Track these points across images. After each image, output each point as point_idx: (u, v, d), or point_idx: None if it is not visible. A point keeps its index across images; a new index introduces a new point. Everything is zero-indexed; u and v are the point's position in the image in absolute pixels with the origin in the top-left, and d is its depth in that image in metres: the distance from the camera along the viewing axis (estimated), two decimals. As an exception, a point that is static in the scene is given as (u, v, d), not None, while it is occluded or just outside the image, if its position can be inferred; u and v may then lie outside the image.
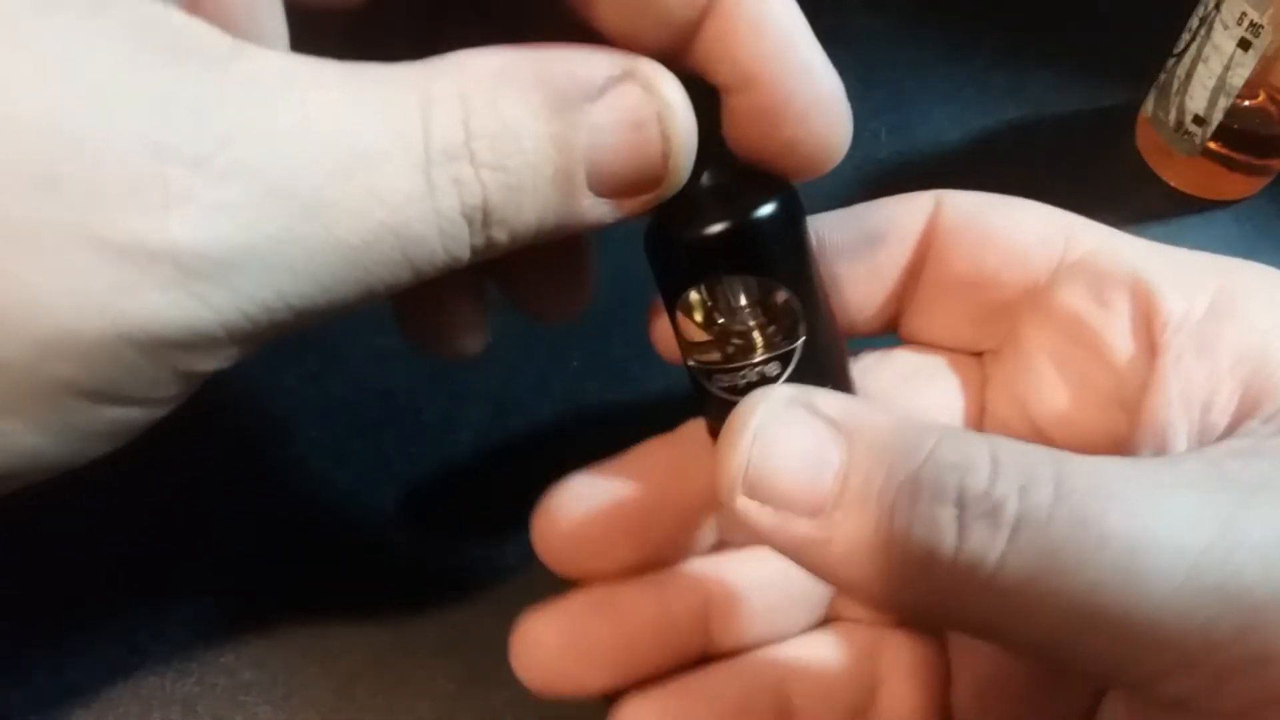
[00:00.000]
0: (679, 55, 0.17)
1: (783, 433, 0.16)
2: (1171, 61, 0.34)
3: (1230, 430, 0.17)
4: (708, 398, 0.18)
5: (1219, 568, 0.13)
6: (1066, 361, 0.20)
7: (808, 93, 0.17)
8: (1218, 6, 0.31)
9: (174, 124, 0.13)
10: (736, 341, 0.18)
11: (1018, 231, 0.20)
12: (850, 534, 0.15)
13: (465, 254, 0.16)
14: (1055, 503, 0.14)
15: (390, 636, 0.26)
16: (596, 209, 0.16)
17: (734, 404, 0.17)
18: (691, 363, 0.18)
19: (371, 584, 0.27)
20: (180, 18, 0.14)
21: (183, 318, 0.13)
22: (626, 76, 0.16)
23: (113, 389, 0.14)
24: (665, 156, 0.16)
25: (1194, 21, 0.32)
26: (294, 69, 0.14)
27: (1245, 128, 0.33)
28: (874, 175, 0.36)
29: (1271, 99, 0.32)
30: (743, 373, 0.18)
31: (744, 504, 0.16)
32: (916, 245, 0.21)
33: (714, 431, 0.18)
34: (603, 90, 0.16)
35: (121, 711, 0.25)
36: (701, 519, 0.22)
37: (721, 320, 0.18)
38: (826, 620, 0.22)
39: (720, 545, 0.22)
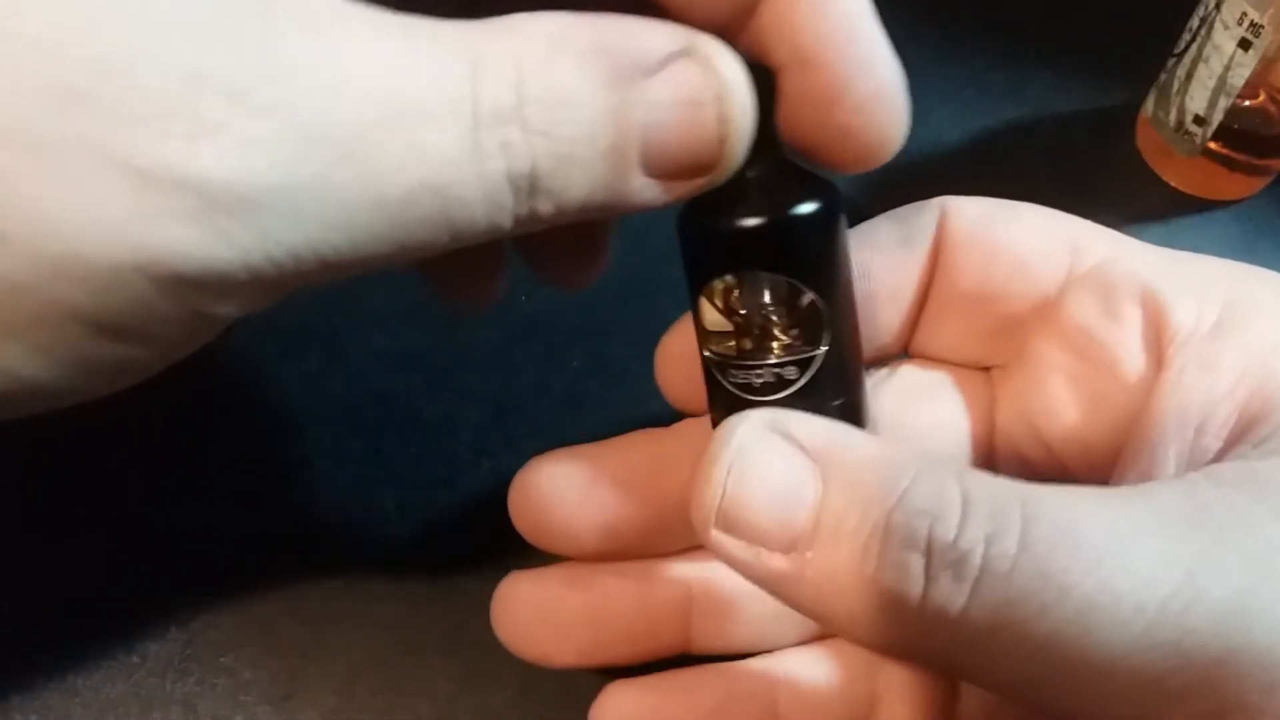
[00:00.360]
0: (736, 32, 0.16)
1: (758, 463, 0.16)
2: (1172, 61, 0.34)
3: (1224, 452, 0.17)
4: (718, 391, 0.18)
5: (1176, 623, 0.13)
6: (1077, 377, 0.19)
7: (868, 80, 0.17)
8: (1218, 6, 0.31)
9: (213, 53, 0.12)
10: (757, 338, 0.17)
11: (1025, 242, 0.20)
12: (823, 571, 0.15)
13: (508, 223, 0.15)
14: (1019, 553, 0.14)
15: (390, 636, 0.26)
16: (646, 190, 0.16)
17: (745, 401, 0.17)
18: (708, 352, 0.18)
19: (372, 584, 0.27)
20: None
21: (203, 254, 0.13)
22: (687, 53, 0.15)
23: (122, 323, 0.13)
24: (721, 140, 0.16)
25: (1194, 21, 0.32)
26: (345, 11, 0.13)
27: (1245, 128, 0.33)
28: (874, 175, 0.36)
29: (1272, 99, 0.32)
30: (759, 371, 0.17)
31: (718, 537, 0.16)
32: (928, 260, 0.21)
33: (717, 425, 0.18)
34: (662, 65, 0.15)
35: (121, 711, 0.25)
36: (681, 515, 0.21)
37: (745, 314, 0.17)
38: (821, 637, 0.22)
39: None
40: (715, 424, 0.19)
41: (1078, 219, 0.20)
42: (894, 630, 0.15)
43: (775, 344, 0.17)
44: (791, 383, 0.17)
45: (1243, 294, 0.18)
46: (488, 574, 0.23)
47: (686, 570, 0.22)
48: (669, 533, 0.22)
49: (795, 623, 0.22)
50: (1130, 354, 0.19)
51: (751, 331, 0.17)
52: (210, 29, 0.12)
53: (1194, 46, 0.32)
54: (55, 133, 0.12)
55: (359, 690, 0.25)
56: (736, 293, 0.17)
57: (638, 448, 0.22)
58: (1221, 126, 0.32)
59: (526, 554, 0.22)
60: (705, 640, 0.22)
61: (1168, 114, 0.34)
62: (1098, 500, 0.15)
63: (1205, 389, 0.17)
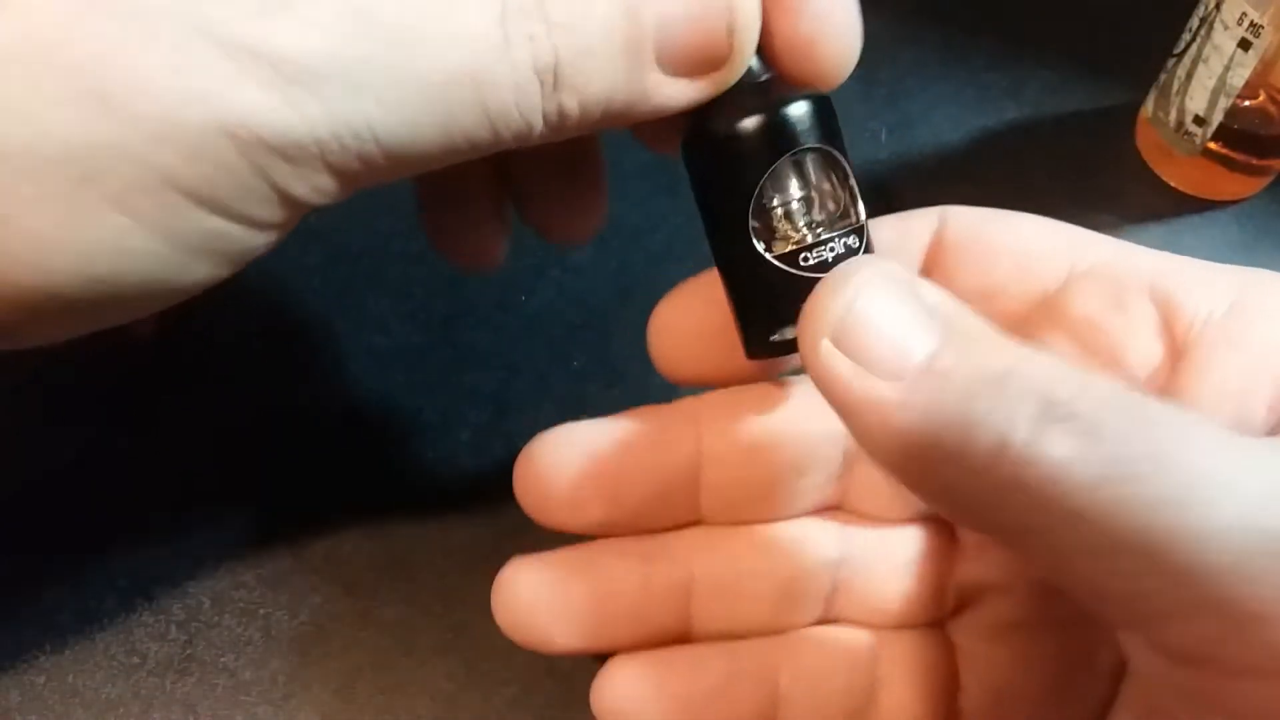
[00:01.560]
0: None
1: (885, 297, 0.16)
2: (1171, 61, 0.34)
3: (1275, 426, 0.17)
4: (791, 288, 0.18)
5: (1272, 517, 0.14)
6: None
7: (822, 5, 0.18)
8: (1218, 6, 0.31)
9: None
10: (825, 217, 0.19)
11: (1025, 242, 0.20)
12: (922, 404, 0.15)
13: (537, 119, 0.16)
14: (1132, 426, 0.14)
15: (390, 636, 0.26)
16: (663, 87, 0.17)
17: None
18: (778, 250, 0.18)
19: (372, 584, 0.27)
20: None
21: (279, 119, 0.14)
22: None
23: (213, 192, 0.14)
24: (730, 32, 0.17)
25: (1194, 21, 0.32)
26: None
27: (1245, 128, 0.33)
28: (874, 175, 0.36)
29: (1272, 99, 0.32)
30: (831, 245, 0.18)
31: (827, 350, 0.16)
32: (922, 265, 0.21)
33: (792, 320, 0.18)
34: None
35: (122, 712, 0.25)
36: (686, 490, 0.21)
37: (805, 196, 0.19)
38: (823, 621, 0.22)
39: (703, 521, 0.22)
40: (792, 319, 0.18)
41: (1075, 226, 0.20)
42: (973, 478, 0.15)
43: (836, 217, 0.19)
44: (856, 250, 0.19)
45: (1253, 286, 0.18)
46: (488, 574, 0.23)
47: (689, 550, 0.22)
48: (671, 507, 0.22)
49: (796, 604, 0.22)
50: (1141, 344, 0.19)
51: (816, 211, 0.19)
52: None
53: (1194, 46, 0.32)
54: (148, 5, 0.13)
55: (359, 690, 0.25)
56: (795, 179, 0.19)
57: (641, 420, 0.22)
58: (1221, 126, 0.32)
59: (527, 554, 0.22)
60: (707, 622, 0.22)
61: (1168, 114, 0.34)
62: (1200, 416, 0.15)
63: (1239, 363, 0.17)
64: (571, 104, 0.16)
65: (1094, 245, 0.20)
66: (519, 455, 0.21)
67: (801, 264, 0.18)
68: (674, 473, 0.21)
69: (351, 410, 0.30)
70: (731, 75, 0.18)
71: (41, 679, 0.25)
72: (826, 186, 0.19)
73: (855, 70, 0.40)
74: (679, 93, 0.17)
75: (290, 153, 0.15)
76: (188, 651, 0.26)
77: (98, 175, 0.14)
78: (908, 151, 0.37)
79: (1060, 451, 0.14)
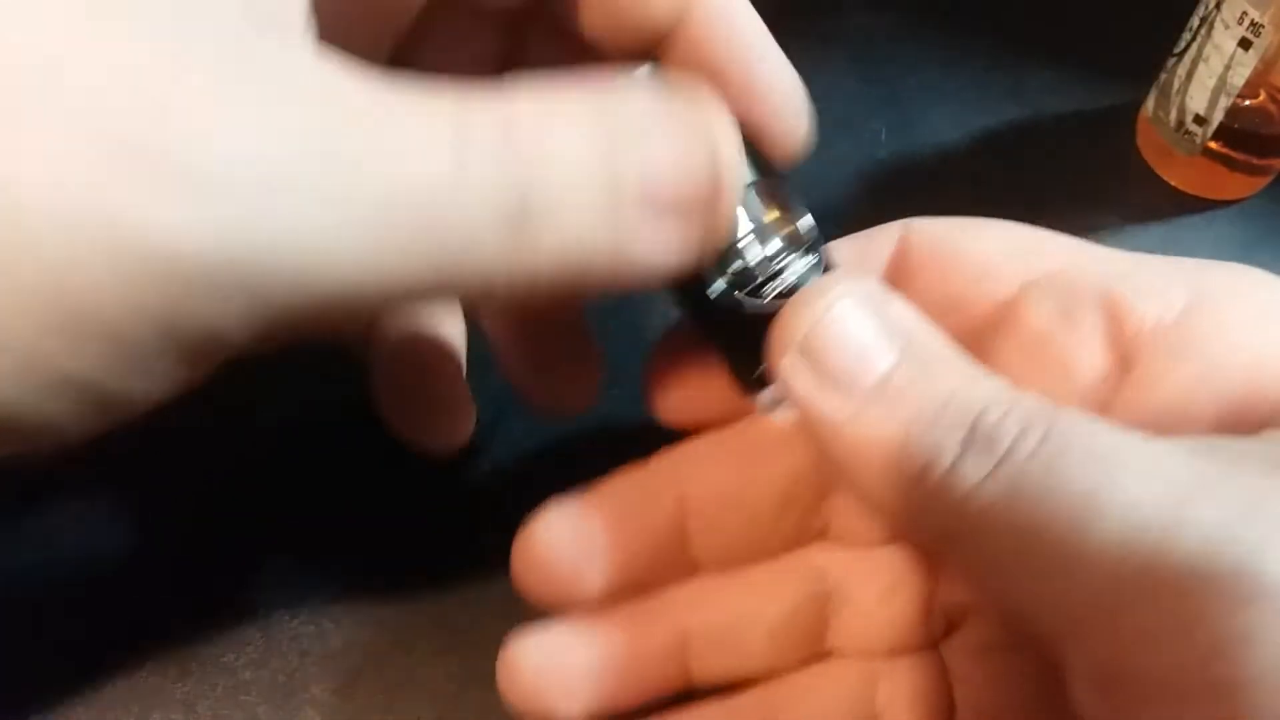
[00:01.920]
0: (653, 55, 0.18)
1: (854, 312, 0.17)
2: (1172, 61, 0.34)
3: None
4: (761, 320, 0.18)
5: (1164, 531, 0.14)
6: (1033, 384, 0.19)
7: (776, 94, 0.19)
8: (1218, 6, 0.31)
9: (195, 52, 0.12)
10: (780, 241, 0.19)
11: (983, 251, 0.20)
12: (870, 424, 0.16)
13: (498, 264, 0.14)
14: (1040, 444, 0.15)
15: (390, 636, 0.26)
16: (647, 238, 0.15)
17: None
18: (740, 294, 0.19)
19: (372, 585, 0.27)
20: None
21: (180, 235, 0.12)
22: (680, 103, 0.16)
23: (100, 322, 0.12)
24: (715, 178, 0.16)
25: (1194, 21, 0.32)
26: (329, 56, 0.14)
27: (1246, 127, 0.33)
28: (874, 175, 0.36)
29: (1272, 98, 0.32)
30: (791, 268, 0.19)
31: (792, 362, 0.17)
32: (885, 280, 0.21)
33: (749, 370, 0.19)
34: (656, 109, 0.16)
35: (121, 711, 0.25)
36: (675, 545, 0.22)
37: (760, 226, 0.19)
38: (820, 656, 0.22)
39: (699, 569, 0.22)
40: (748, 370, 0.19)
41: (1042, 230, 0.20)
42: (908, 497, 0.16)
43: (789, 241, 0.19)
44: (816, 267, 0.19)
45: (1208, 285, 0.18)
46: (488, 573, 0.23)
47: (683, 605, 0.22)
48: (665, 564, 0.22)
49: (792, 644, 0.22)
50: (1087, 356, 0.19)
51: (769, 243, 0.19)
52: (221, 58, 0.13)
53: (1194, 46, 0.32)
54: (36, 94, 0.11)
55: (359, 690, 0.25)
56: (742, 215, 0.19)
57: (624, 486, 0.22)
58: (1222, 126, 0.32)
59: (529, 628, 0.22)
60: (706, 673, 0.22)
61: (1168, 113, 0.34)
62: (1117, 428, 0.15)
63: (1183, 376, 0.17)
64: (541, 252, 0.14)
65: (1049, 252, 0.20)
66: (513, 550, 0.21)
67: (765, 295, 0.19)
68: (661, 531, 0.21)
69: (352, 410, 0.29)
70: (718, 233, 0.17)
71: (42, 679, 0.25)
72: (775, 214, 0.19)
73: (855, 70, 0.40)
74: (664, 246, 0.16)
75: (196, 277, 0.12)
76: (188, 651, 0.26)
77: None
78: (908, 151, 0.37)
79: (974, 474, 0.15)
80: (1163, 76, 0.34)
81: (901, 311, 0.17)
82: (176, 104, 0.12)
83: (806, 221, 0.19)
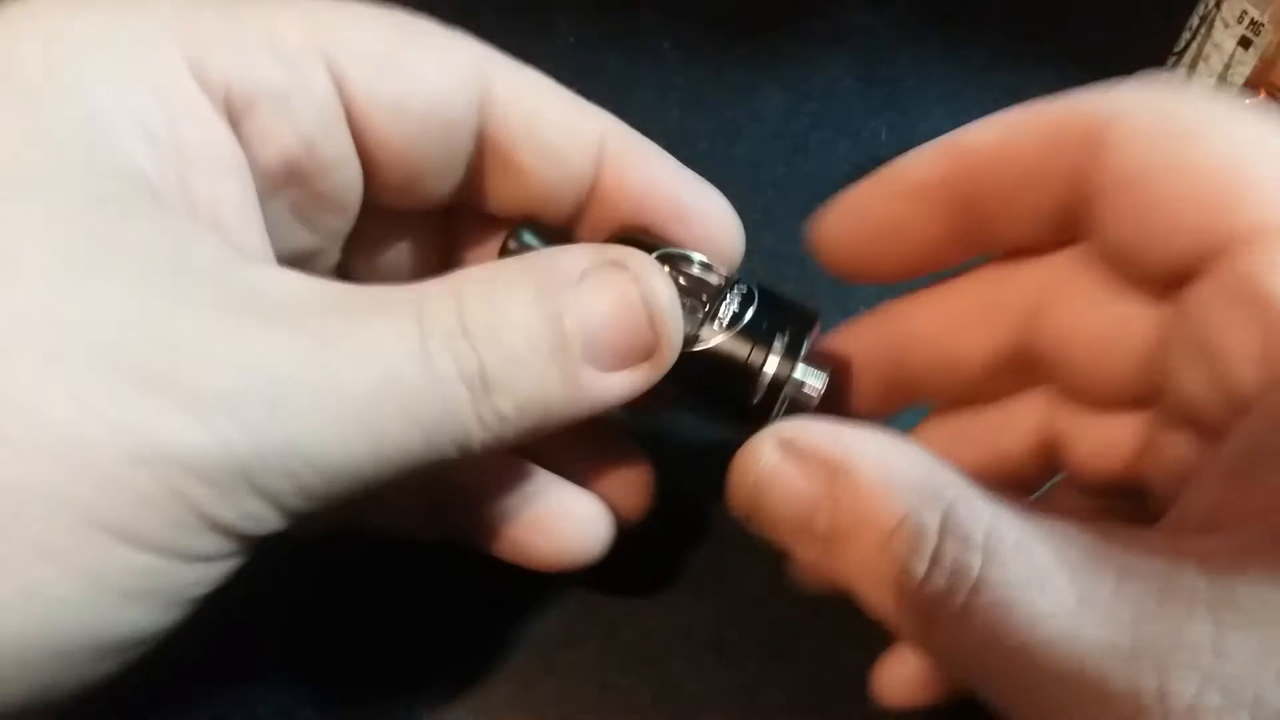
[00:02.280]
0: (579, 216, 0.21)
1: (779, 479, 0.18)
2: (1172, 60, 0.34)
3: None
4: (731, 355, 0.20)
5: (1074, 643, 0.14)
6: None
7: (702, 220, 0.21)
8: (1218, 5, 0.31)
9: (185, 296, 0.15)
10: (705, 289, 0.21)
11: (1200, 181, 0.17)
12: (844, 565, 0.17)
13: (474, 424, 0.17)
14: (983, 564, 0.15)
15: (391, 636, 0.26)
16: (600, 383, 0.18)
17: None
18: (700, 345, 0.20)
19: (371, 585, 0.27)
20: (204, 246, 0.16)
21: (195, 443, 0.14)
22: (604, 263, 0.18)
23: (136, 525, 0.14)
24: (652, 323, 0.18)
25: (1194, 20, 0.32)
26: (298, 279, 0.16)
27: (1245, 126, 0.33)
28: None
29: (1272, 97, 0.32)
30: (727, 302, 0.21)
31: (757, 527, 0.18)
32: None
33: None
34: (584, 275, 0.18)
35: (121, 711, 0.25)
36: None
37: (682, 285, 0.20)
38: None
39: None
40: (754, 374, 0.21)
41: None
42: (906, 618, 0.16)
43: (713, 288, 0.21)
44: (749, 295, 0.21)
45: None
46: (489, 573, 0.23)
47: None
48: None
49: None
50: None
51: (699, 293, 0.21)
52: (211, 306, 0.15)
53: (1194, 45, 0.32)
54: (43, 340, 0.13)
55: (359, 690, 0.25)
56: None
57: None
58: (1222, 125, 0.32)
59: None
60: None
61: (1168, 113, 0.34)
62: (1046, 535, 0.15)
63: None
64: (507, 407, 0.17)
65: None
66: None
67: (722, 329, 0.20)
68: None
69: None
70: (665, 361, 0.19)
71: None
72: (694, 271, 0.21)
73: (855, 70, 0.40)
74: (618, 384, 0.18)
75: (211, 476, 0.14)
76: (188, 651, 0.26)
77: (13, 518, 0.13)
78: (909, 150, 0.37)
79: (937, 586, 0.15)
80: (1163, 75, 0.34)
81: (815, 436, 0.18)
82: (181, 341, 0.14)
83: (711, 270, 0.21)
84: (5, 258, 0.14)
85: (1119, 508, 0.21)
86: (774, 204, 0.35)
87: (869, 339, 0.23)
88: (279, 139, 0.18)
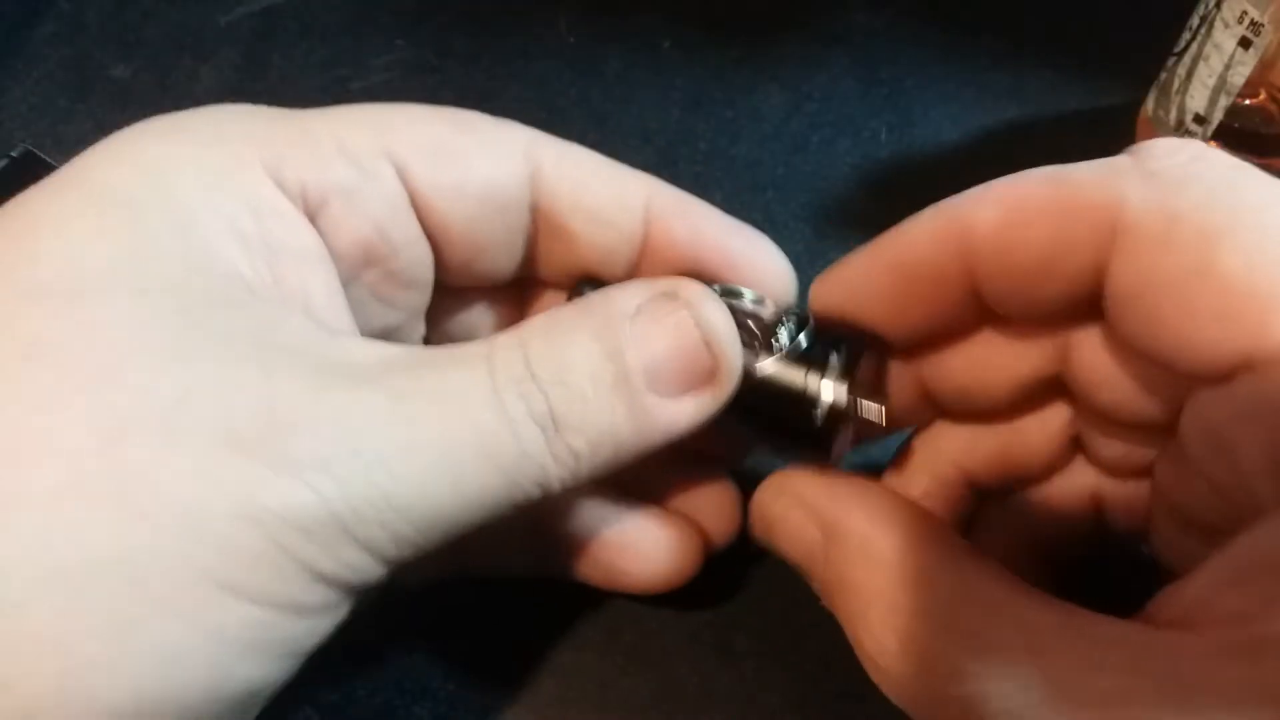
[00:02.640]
0: (634, 274, 0.22)
1: (787, 525, 0.20)
2: (1172, 61, 0.34)
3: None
4: (789, 378, 0.21)
5: None
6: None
7: (753, 263, 0.22)
8: (1218, 5, 0.31)
9: (280, 371, 0.16)
10: (761, 320, 0.21)
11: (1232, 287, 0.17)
12: (838, 608, 0.18)
13: (549, 462, 0.18)
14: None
15: (389, 637, 0.26)
16: (666, 411, 0.19)
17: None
18: (761, 367, 0.21)
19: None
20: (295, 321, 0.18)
21: (296, 500, 0.15)
22: (658, 295, 0.19)
23: (248, 579, 0.15)
24: (710, 346, 0.19)
25: (1194, 20, 0.32)
26: (378, 347, 0.18)
27: (1246, 127, 0.33)
28: (874, 174, 0.36)
29: (1272, 98, 0.32)
30: (781, 330, 0.21)
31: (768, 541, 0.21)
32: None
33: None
34: (639, 309, 0.19)
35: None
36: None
37: (741, 316, 0.21)
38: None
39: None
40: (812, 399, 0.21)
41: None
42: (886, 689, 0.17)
43: (768, 318, 0.21)
44: (805, 319, 0.22)
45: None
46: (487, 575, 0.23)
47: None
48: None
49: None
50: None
51: (754, 323, 0.21)
52: (286, 373, 0.16)
53: (1194, 45, 0.32)
54: (169, 422, 0.15)
55: (358, 690, 0.25)
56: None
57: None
58: (1222, 125, 0.32)
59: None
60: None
61: (1168, 113, 0.34)
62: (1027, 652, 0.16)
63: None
64: (579, 443, 0.18)
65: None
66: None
67: (778, 358, 0.21)
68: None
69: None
70: (727, 383, 0.19)
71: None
72: (746, 304, 0.21)
73: (855, 70, 0.40)
74: (684, 411, 0.19)
75: (313, 530, 0.15)
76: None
77: (140, 579, 0.14)
78: (908, 151, 0.37)
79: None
80: (1163, 76, 0.34)
81: (824, 507, 0.19)
82: (277, 409, 0.16)
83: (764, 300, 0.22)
84: (124, 348, 0.15)
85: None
86: (774, 204, 0.35)
87: (898, 364, 0.23)
88: (352, 227, 0.20)
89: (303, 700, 0.25)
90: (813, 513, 0.19)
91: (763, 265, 0.22)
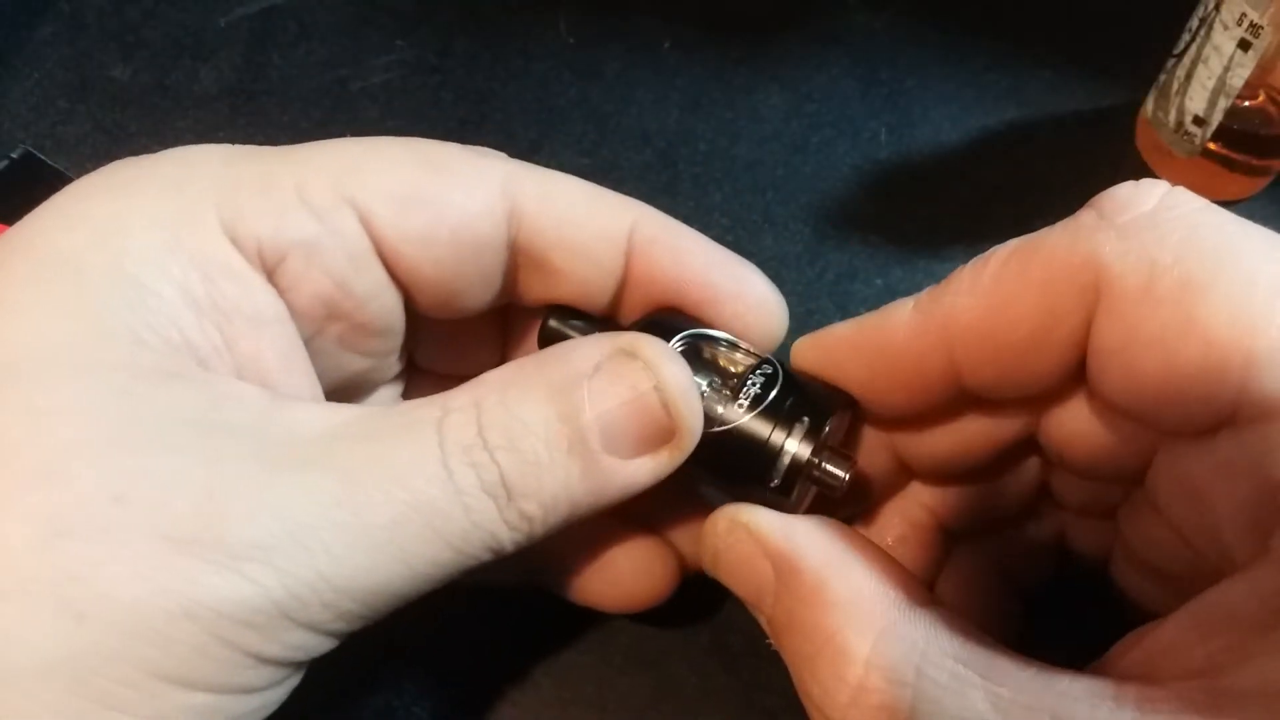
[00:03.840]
0: (617, 303, 0.22)
1: (733, 557, 0.20)
2: (1171, 62, 0.34)
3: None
4: (758, 430, 0.20)
5: None
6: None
7: (739, 297, 0.22)
8: (1217, 7, 0.31)
9: (220, 456, 0.16)
10: (733, 367, 0.21)
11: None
12: (783, 646, 0.18)
13: (501, 529, 0.17)
14: None
15: (388, 639, 0.26)
16: (622, 471, 0.18)
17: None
18: (731, 423, 0.20)
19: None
20: (233, 387, 0.18)
21: (234, 593, 0.15)
22: (614, 353, 0.18)
23: (192, 671, 0.15)
24: (666, 406, 0.18)
25: (1194, 22, 0.32)
26: (326, 415, 0.17)
27: (1245, 128, 0.33)
28: (874, 175, 0.36)
29: (1271, 99, 0.32)
30: (750, 382, 0.21)
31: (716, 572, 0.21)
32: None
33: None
34: (597, 368, 0.18)
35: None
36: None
37: (710, 367, 0.21)
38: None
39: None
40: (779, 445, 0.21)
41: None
42: None
43: (739, 368, 0.21)
44: (773, 375, 0.21)
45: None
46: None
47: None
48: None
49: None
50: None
51: (724, 374, 0.21)
52: (222, 449, 0.16)
53: (1193, 47, 0.32)
54: (111, 521, 0.15)
55: (357, 691, 0.25)
56: (696, 368, 0.20)
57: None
58: (1221, 127, 0.32)
59: None
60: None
61: (1167, 114, 0.34)
62: (981, 677, 0.16)
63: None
64: (531, 508, 0.18)
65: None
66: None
67: (744, 410, 0.20)
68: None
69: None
70: (686, 445, 0.19)
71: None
72: (719, 350, 0.21)
73: (855, 70, 0.40)
74: (640, 470, 0.19)
75: (253, 621, 0.15)
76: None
77: (84, 680, 0.14)
78: (908, 151, 0.37)
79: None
80: (1162, 77, 0.34)
81: (778, 543, 0.19)
82: (218, 500, 0.15)
83: (736, 346, 0.21)
84: (66, 437, 0.15)
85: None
86: (774, 204, 0.35)
87: (872, 429, 0.23)
88: (312, 282, 0.19)
89: (302, 701, 0.25)
90: (765, 547, 0.19)
91: (750, 300, 0.22)
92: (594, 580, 0.23)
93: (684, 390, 0.19)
